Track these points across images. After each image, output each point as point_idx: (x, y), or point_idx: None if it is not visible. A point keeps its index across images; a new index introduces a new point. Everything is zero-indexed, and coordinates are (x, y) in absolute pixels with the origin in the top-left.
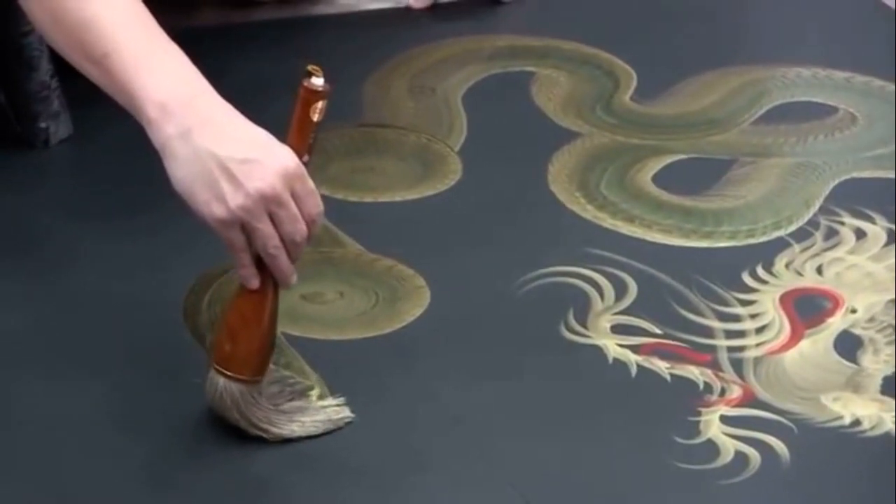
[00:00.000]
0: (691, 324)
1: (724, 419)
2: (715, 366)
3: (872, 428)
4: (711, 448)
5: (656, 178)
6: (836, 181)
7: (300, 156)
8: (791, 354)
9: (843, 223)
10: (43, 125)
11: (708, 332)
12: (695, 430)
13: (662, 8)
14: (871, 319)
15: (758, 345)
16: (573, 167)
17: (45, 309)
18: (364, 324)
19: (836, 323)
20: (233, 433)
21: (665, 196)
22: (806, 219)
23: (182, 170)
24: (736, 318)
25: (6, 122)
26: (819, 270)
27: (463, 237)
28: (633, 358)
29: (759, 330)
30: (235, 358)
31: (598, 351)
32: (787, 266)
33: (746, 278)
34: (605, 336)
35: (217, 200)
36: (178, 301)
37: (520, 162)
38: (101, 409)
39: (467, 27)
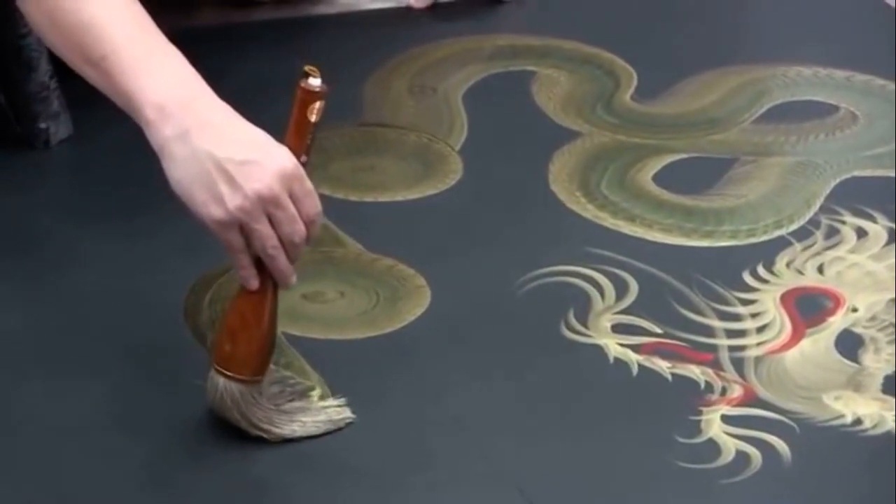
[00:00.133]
0: (692, 323)
1: (726, 418)
2: (716, 365)
3: (874, 427)
4: (713, 447)
5: (657, 178)
6: (837, 180)
7: (298, 157)
8: (792, 353)
9: (844, 222)
10: (43, 126)
11: (709, 332)
12: (696, 429)
13: (663, 7)
14: (873, 318)
15: (759, 344)
16: (574, 167)
17: (45, 309)
18: (365, 323)
19: (838, 322)
20: (233, 433)
21: (666, 195)
22: (807, 218)
23: (180, 171)
24: (737, 318)
25: (6, 122)
26: (820, 269)
27: (463, 237)
28: (633, 357)
29: (760, 329)
30: (235, 358)
31: (598, 350)
32: (788, 265)
33: (747, 277)
34: (605, 335)
35: (215, 202)
36: (178, 301)
37: (520, 161)
38: (101, 410)
39: (468, 27)
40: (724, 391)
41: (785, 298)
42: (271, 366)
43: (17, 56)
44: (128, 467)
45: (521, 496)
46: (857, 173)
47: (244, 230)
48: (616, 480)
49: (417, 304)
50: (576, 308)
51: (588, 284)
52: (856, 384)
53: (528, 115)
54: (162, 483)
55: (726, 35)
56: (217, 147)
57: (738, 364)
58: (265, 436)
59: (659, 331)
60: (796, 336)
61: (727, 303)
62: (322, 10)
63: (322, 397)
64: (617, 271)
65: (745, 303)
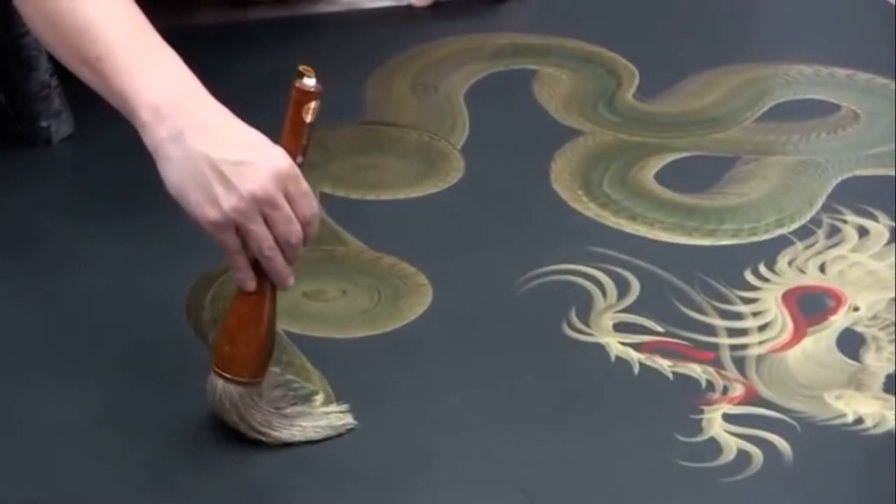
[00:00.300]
0: (694, 322)
1: (727, 417)
2: (717, 364)
3: (875, 426)
4: (714, 446)
5: (659, 176)
6: (839, 179)
7: (294, 157)
8: (794, 352)
9: (845, 221)
10: (44, 124)
11: (710, 331)
12: (697, 428)
13: (665, 7)
14: (874, 317)
15: (760, 343)
16: (575, 165)
17: (45, 309)
18: (366, 322)
19: (839, 321)
20: (233, 436)
21: (668, 194)
22: (809, 217)
23: (175, 172)
24: (738, 316)
25: (6, 121)
26: (822, 268)
27: (465, 235)
28: (635, 356)
29: (762, 328)
30: (234, 360)
31: (600, 349)
32: (789, 264)
33: (749, 276)
34: (607, 334)
35: (210, 202)
36: (179, 300)
37: (522, 160)
38: (101, 410)
39: (469, 25)
40: (725, 390)
41: (786, 297)
42: (275, 369)
43: (16, 55)
44: (127, 467)
45: (522, 495)
46: (858, 172)
47: (240, 231)
48: (617, 479)
49: (419, 302)
50: (577, 307)
51: (590, 283)
52: (857, 383)
53: (529, 113)
54: (161, 484)
55: (728, 34)
56: (211, 148)
57: (740, 363)
58: (263, 439)
59: (660, 329)
60: (798, 335)
61: (729, 301)
62: (323, 8)
63: (325, 402)
64: (618, 270)
65: (747, 301)
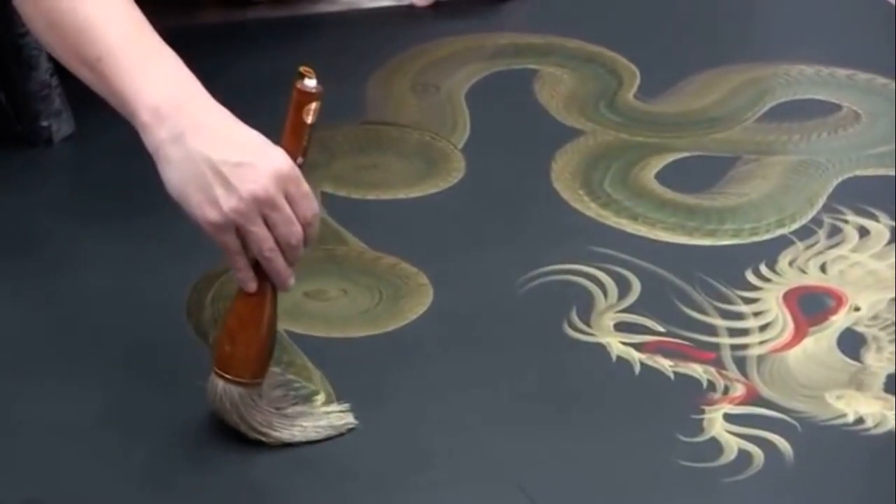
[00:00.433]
0: (695, 322)
1: (728, 417)
2: (718, 364)
3: (876, 426)
4: (715, 446)
5: (660, 176)
6: (840, 179)
7: (294, 158)
8: (794, 352)
9: (846, 221)
10: (45, 124)
11: (711, 331)
12: (698, 428)
13: (666, 6)
14: (875, 317)
15: (761, 343)
16: (576, 165)
17: (45, 309)
18: (367, 321)
19: (840, 321)
20: (234, 436)
21: (668, 194)
22: (809, 217)
23: (175, 174)
24: (739, 316)
25: (6, 121)
26: (822, 268)
27: (466, 235)
28: (636, 356)
29: (763, 328)
30: (234, 361)
31: (601, 349)
32: (790, 264)
33: (750, 276)
34: (608, 334)
35: (210, 204)
36: (180, 301)
37: (523, 160)
38: (101, 410)
39: (470, 25)
40: (726, 390)
41: (787, 297)
42: (276, 369)
43: (17, 55)
44: (127, 468)
45: (523, 495)
46: (859, 172)
47: (240, 232)
48: (618, 479)
49: (420, 302)
50: (578, 306)
51: (591, 283)
52: (858, 383)
53: (530, 113)
54: (161, 484)
55: (729, 34)
56: (212, 149)
57: (741, 363)
58: (264, 439)
59: (661, 329)
60: (799, 335)
61: (730, 301)
62: (324, 8)
63: (326, 402)
64: (619, 270)
65: (748, 301)
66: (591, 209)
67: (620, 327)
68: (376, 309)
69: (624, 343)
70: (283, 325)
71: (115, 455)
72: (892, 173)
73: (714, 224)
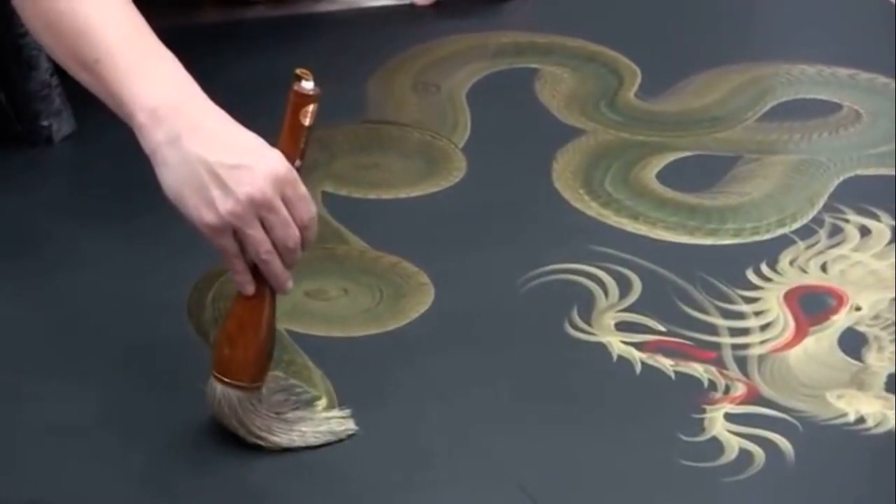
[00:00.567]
0: (695, 321)
1: (729, 417)
2: (719, 363)
3: (877, 425)
4: (716, 445)
5: (660, 176)
6: (841, 178)
7: (292, 161)
8: (795, 352)
9: (847, 220)
10: (45, 123)
11: (712, 330)
12: (699, 427)
13: (667, 6)
14: (876, 317)
15: (762, 342)
16: (577, 164)
17: (45, 309)
18: (368, 321)
19: (841, 320)
20: (234, 438)
21: (669, 193)
22: (810, 216)
23: (172, 176)
24: (740, 316)
25: (7, 121)
26: (823, 268)
27: (467, 234)
28: (637, 355)
29: (764, 327)
30: (233, 364)
31: (602, 348)
32: (791, 263)
33: (751, 276)
34: (609, 333)
35: (207, 206)
36: (180, 301)
37: (524, 159)
38: (101, 411)
39: (471, 24)
40: (727, 389)
41: (788, 297)
42: (279, 373)
43: (17, 55)
44: (127, 468)
45: (524, 494)
46: (860, 172)
47: (237, 235)
48: (619, 478)
49: (420, 301)
50: (579, 306)
51: (591, 282)
52: (859, 383)
53: (531, 112)
54: (160, 486)
55: (730, 33)
56: (208, 151)
57: (742, 362)
58: (262, 444)
59: (662, 329)
60: (800, 334)
61: (731, 301)
62: (324, 7)
63: (327, 408)
64: (620, 269)
65: (749, 301)
66: (592, 208)
67: (621, 326)
68: (377, 308)
69: (625, 342)
70: (283, 325)
71: (114, 455)
72: (893, 173)
73: (715, 223)
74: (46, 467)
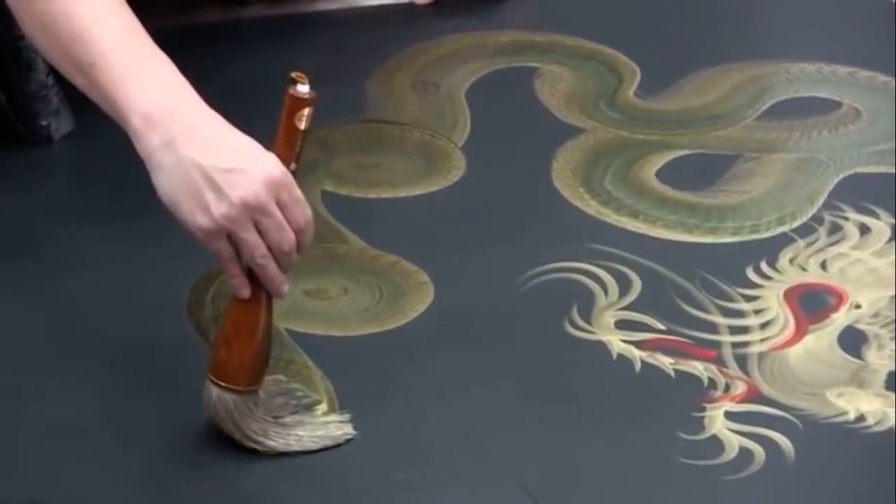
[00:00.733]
0: (695, 319)
1: (729, 415)
2: (719, 361)
3: (877, 423)
4: (716, 444)
5: (660, 174)
6: (840, 176)
7: (287, 164)
8: (795, 350)
9: (847, 219)
10: (44, 123)
11: (712, 328)
12: (699, 425)
13: (666, 4)
14: (876, 315)
15: (762, 340)
16: (577, 163)
17: (45, 309)
18: (367, 320)
19: (841, 318)
20: (232, 441)
21: (669, 192)
22: (810, 214)
23: (167, 180)
24: (740, 314)
25: (6, 121)
26: (823, 266)
27: (466, 233)
28: (637, 354)
29: (764, 325)
30: (229, 368)
31: (601, 347)
32: (791, 262)
33: (750, 274)
34: (608, 332)
35: (201, 210)
36: (180, 300)
37: (523, 158)
38: (101, 411)
39: (471, 23)
40: (727, 388)
41: (788, 295)
42: (281, 377)
43: (16, 56)
44: (126, 469)
45: (524, 493)
46: (860, 170)
47: (232, 239)
48: (619, 477)
49: (420, 300)
50: (579, 304)
51: (591, 281)
52: (859, 381)
53: (531, 111)
54: (159, 487)
55: (730, 32)
56: (203, 155)
57: (742, 360)
58: (259, 448)
59: (662, 327)
60: (799, 332)
61: (730, 299)
62: (323, 6)
63: (327, 412)
64: (620, 268)
65: (749, 299)
66: (592, 207)
67: (621, 325)
68: (377, 307)
69: (624, 341)
70: (283, 324)
71: (114, 456)
72: (893, 171)
73: (715, 222)
74: (46, 467)
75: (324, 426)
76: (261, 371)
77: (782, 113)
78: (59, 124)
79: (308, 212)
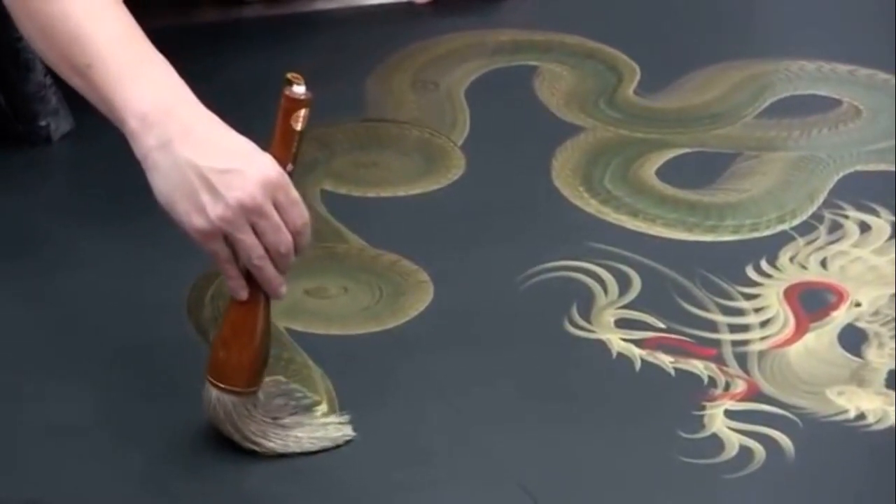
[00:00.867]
0: (695, 318)
1: (729, 413)
2: (719, 360)
3: (877, 422)
4: (716, 442)
5: (660, 173)
6: (840, 175)
7: (283, 165)
8: (795, 348)
9: (847, 217)
10: (43, 123)
11: (712, 327)
12: (699, 424)
13: (666, 3)
14: (876, 313)
15: (762, 339)
16: (576, 162)
17: (45, 309)
18: (367, 319)
19: (841, 317)
20: (230, 443)
21: (669, 190)
22: (810, 212)
23: (163, 181)
24: (740, 313)
25: (6, 121)
26: (823, 264)
27: (466, 232)
28: (636, 352)
29: (764, 324)
30: (228, 369)
31: (601, 345)
32: (791, 260)
33: (750, 272)
34: (608, 331)
35: (197, 211)
36: (180, 300)
37: (523, 156)
38: (101, 411)
39: (470, 22)
40: (727, 386)
41: (788, 293)
42: (281, 378)
43: (14, 58)
44: (125, 470)
45: (524, 492)
46: (860, 168)
47: (229, 240)
48: (619, 476)
49: (420, 299)
50: (578, 303)
51: (591, 279)
52: (859, 379)
53: (530, 110)
54: (158, 487)
55: (729, 30)
56: (199, 156)
57: (742, 359)
58: (258, 449)
59: (662, 326)
60: (799, 331)
61: (730, 297)
62: (323, 5)
63: (326, 414)
64: (620, 266)
65: (749, 297)
66: (592, 206)
67: (621, 324)
68: (376, 306)
69: (624, 339)
70: (283, 323)
71: (114, 456)
72: (893, 169)
73: (714, 220)
74: (46, 467)
75: (323, 427)
76: (260, 372)
77: (782, 111)
78: (58, 124)
79: (305, 213)
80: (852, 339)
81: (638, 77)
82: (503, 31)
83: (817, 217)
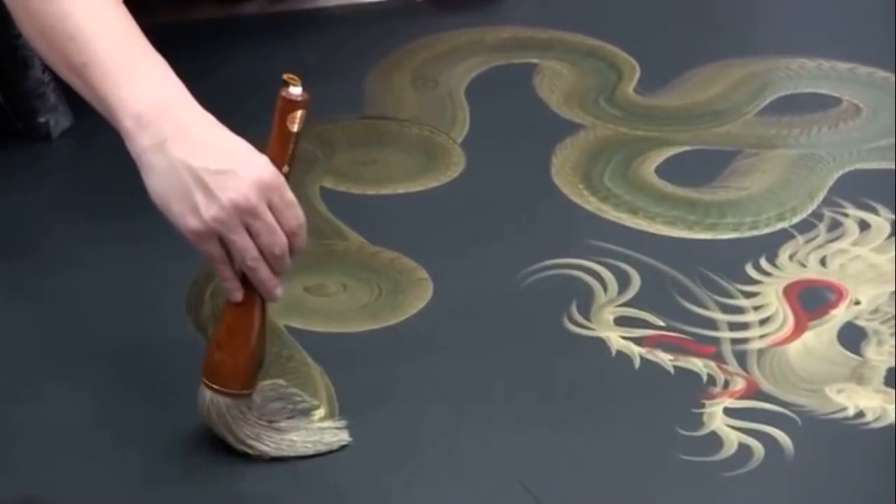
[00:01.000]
0: (695, 316)
1: (728, 411)
2: (718, 358)
3: (876, 420)
4: (715, 440)
5: (660, 170)
6: (840, 172)
7: (279, 166)
8: (795, 346)
9: (846, 215)
10: (42, 120)
11: (711, 325)
12: (698, 422)
13: (666, 0)
14: (875, 311)
15: (761, 337)
16: (576, 159)
17: (45, 309)
18: (367, 316)
19: (840, 315)
20: (227, 445)
21: (668, 188)
22: (810, 210)
23: (157, 181)
24: (739, 310)
25: (5, 118)
26: (823, 262)
27: (465, 229)
28: (636, 350)
29: (763, 322)
30: (222, 371)
31: (601, 343)
32: (790, 258)
33: (750, 270)
34: (608, 328)
35: (191, 212)
36: (180, 300)
37: (523, 154)
38: (100, 412)
39: (470, 19)
40: (726, 384)
41: (787, 291)
42: (279, 381)
43: (13, 55)
44: (124, 470)
45: (524, 490)
46: (859, 166)
47: (223, 241)
48: (618, 473)
49: (419, 296)
50: (578, 301)
51: (590, 277)
52: (858, 377)
53: (530, 107)
54: (158, 487)
55: (730, 27)
56: (193, 157)
57: (741, 357)
58: (251, 452)
59: (661, 323)
60: (799, 329)
61: (730, 295)
62: (323, 2)
63: (324, 418)
64: (619, 264)
65: (748, 295)
66: (591, 203)
67: (620, 321)
68: (376, 304)
69: (624, 337)
70: (282, 320)
71: (113, 456)
72: (893, 167)
73: (714, 218)
74: (44, 467)
75: (319, 432)
76: (254, 374)
77: (782, 109)
78: (58, 120)
79: (300, 215)
80: (852, 337)
81: (638, 75)
82: (503, 29)
83: (817, 215)
